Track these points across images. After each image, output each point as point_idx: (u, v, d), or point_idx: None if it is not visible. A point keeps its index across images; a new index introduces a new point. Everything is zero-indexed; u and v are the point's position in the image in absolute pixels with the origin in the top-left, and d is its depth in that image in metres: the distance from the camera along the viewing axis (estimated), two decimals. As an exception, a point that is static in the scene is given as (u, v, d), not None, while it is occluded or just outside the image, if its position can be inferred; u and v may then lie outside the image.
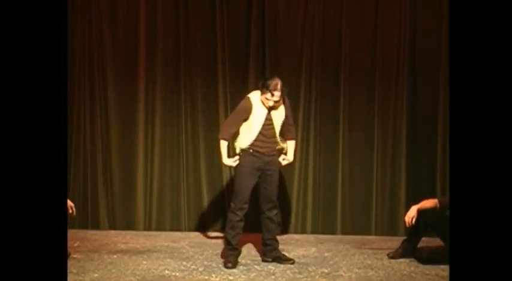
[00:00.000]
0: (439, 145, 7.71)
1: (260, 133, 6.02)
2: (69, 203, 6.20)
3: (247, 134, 6.05)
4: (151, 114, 7.92)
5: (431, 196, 6.81)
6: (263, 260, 6.22)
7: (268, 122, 6.04)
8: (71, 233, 6.80)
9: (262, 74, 7.75)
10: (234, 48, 7.83)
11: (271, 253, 6.21)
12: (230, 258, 6.07)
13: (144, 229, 7.89)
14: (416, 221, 6.27)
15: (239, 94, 7.74)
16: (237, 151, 6.14)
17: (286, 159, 6.23)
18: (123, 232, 7.72)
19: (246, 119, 6.05)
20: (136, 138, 7.91)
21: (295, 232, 7.78)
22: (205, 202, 7.85)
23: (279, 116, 6.08)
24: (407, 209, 6.48)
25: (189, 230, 7.80)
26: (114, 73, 7.91)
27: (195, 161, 7.89)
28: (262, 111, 6.02)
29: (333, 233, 7.77)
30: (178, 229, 7.83)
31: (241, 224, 6.09)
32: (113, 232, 7.78)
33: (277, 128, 6.09)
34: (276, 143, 6.12)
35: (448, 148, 7.38)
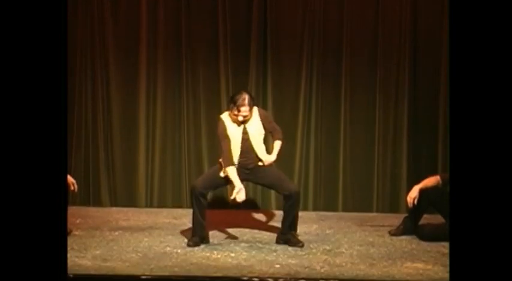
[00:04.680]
0: (440, 125, 7.69)
1: (240, 150, 6.00)
2: (71, 179, 6.21)
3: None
4: (153, 93, 7.92)
5: (432, 173, 6.80)
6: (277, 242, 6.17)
7: (245, 136, 6.01)
8: (73, 210, 6.86)
9: (264, 56, 7.77)
10: (235, 31, 7.81)
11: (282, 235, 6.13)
12: (194, 238, 6.01)
13: (146, 206, 7.91)
14: (418, 201, 6.27)
15: (240, 76, 7.78)
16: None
17: (267, 159, 6.06)
18: (125, 209, 7.73)
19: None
20: (138, 115, 7.91)
21: (299, 201, 7.77)
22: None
23: (254, 129, 6.03)
24: (409, 187, 6.48)
25: (191, 207, 7.79)
26: (115, 54, 7.90)
27: (196, 138, 7.90)
28: (235, 128, 6.00)
29: (335, 210, 7.78)
30: (180, 206, 7.84)
31: (204, 201, 6.02)
32: (114, 208, 7.79)
33: (255, 142, 6.02)
34: (256, 157, 6.04)
35: (449, 126, 7.36)
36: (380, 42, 7.72)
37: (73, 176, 6.47)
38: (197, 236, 6.00)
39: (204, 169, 7.85)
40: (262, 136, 6.11)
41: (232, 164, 5.96)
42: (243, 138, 6.00)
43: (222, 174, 6.02)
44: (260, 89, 7.82)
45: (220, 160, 6.08)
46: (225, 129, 6.03)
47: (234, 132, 6.01)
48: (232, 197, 5.93)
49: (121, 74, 7.92)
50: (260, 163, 6.05)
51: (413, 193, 6.30)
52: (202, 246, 5.94)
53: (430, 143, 7.78)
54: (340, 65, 7.77)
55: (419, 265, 5.44)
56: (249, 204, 7.66)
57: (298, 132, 7.81)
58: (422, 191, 6.29)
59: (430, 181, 6.37)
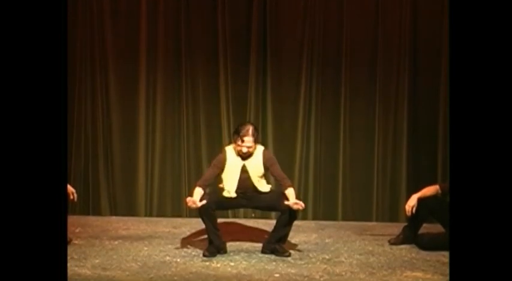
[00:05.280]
0: (440, 133, 7.70)
1: (238, 186, 6.03)
2: (70, 188, 6.21)
3: (226, 189, 6.06)
4: (153, 100, 7.93)
5: (431, 182, 6.80)
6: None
7: (245, 174, 6.02)
8: (72, 219, 6.86)
9: (264, 62, 7.79)
10: (235, 39, 7.83)
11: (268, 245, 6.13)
12: (210, 248, 5.98)
13: (145, 215, 7.91)
14: (416, 210, 6.27)
15: (240, 82, 7.79)
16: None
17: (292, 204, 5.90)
18: (124, 218, 7.74)
19: (221, 171, 6.06)
20: (138, 123, 7.93)
21: (296, 218, 7.77)
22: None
23: (253, 166, 6.04)
24: (408, 196, 6.48)
25: (190, 216, 7.80)
26: (115, 60, 7.91)
27: (196, 147, 7.91)
28: (236, 161, 6.03)
29: (334, 219, 7.78)
30: (179, 215, 7.84)
31: (212, 212, 5.99)
32: (114, 218, 7.79)
33: (255, 180, 6.05)
34: (254, 188, 6.06)
35: (448, 135, 7.36)
36: (380, 45, 7.74)
37: (73, 185, 6.50)
38: (213, 246, 5.97)
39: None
40: (261, 174, 6.11)
41: (202, 187, 5.97)
42: (241, 173, 6.03)
43: (225, 194, 6.06)
44: (260, 97, 7.84)
45: (221, 185, 6.12)
46: (223, 159, 6.08)
47: (233, 166, 6.05)
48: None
49: (121, 81, 7.94)
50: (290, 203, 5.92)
51: (412, 202, 6.31)
52: (201, 255, 5.94)
53: (429, 151, 7.78)
54: (339, 72, 7.78)
55: (419, 274, 5.43)
56: (248, 213, 7.68)
57: (298, 141, 7.82)
58: (420, 200, 6.29)
59: (429, 190, 6.37)
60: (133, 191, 7.95)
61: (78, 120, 7.89)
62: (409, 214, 6.33)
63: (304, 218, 7.77)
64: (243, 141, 5.93)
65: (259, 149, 6.10)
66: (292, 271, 5.49)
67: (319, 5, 7.77)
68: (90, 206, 7.93)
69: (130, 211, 7.94)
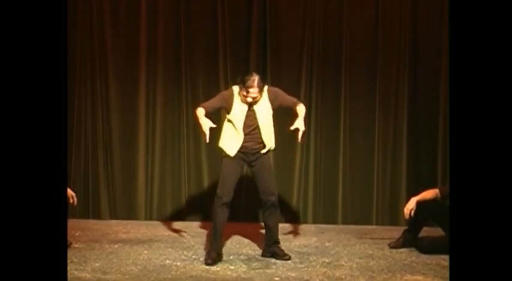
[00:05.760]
0: (440, 135, 7.70)
1: (244, 136, 5.86)
2: (70, 192, 6.22)
3: (231, 136, 5.91)
4: (152, 103, 7.92)
5: (432, 185, 6.80)
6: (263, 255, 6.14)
7: (251, 114, 5.85)
8: (72, 222, 6.87)
9: (264, 62, 7.79)
10: (235, 40, 7.83)
11: (268, 248, 6.10)
12: (210, 254, 5.86)
13: (145, 219, 7.90)
14: (415, 213, 6.27)
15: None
16: (222, 150, 6.01)
17: (295, 126, 5.74)
18: (124, 222, 7.73)
19: (227, 112, 5.90)
20: (137, 127, 7.91)
21: (297, 222, 7.78)
22: (206, 191, 7.84)
23: (261, 109, 5.88)
24: (408, 200, 6.48)
25: (190, 220, 7.79)
26: (114, 63, 7.90)
27: (196, 150, 7.90)
28: (241, 107, 5.87)
29: (334, 223, 7.77)
30: (180, 219, 7.84)
31: (224, 218, 5.89)
32: (114, 221, 7.78)
33: (261, 122, 5.88)
34: (260, 142, 5.92)
35: (448, 136, 7.37)
36: (380, 45, 7.74)
37: (72, 189, 6.49)
38: (214, 251, 5.87)
39: (204, 181, 7.85)
40: (270, 117, 5.94)
41: (204, 109, 5.80)
42: (247, 116, 5.85)
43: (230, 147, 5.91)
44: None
45: (220, 144, 5.99)
46: (230, 96, 5.90)
47: (238, 109, 5.87)
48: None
49: (120, 84, 7.93)
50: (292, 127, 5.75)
51: (411, 205, 6.31)
52: (201, 259, 5.93)
53: (429, 153, 7.77)
54: (339, 73, 7.77)
55: (419, 278, 5.43)
56: (248, 216, 7.68)
57: (298, 144, 7.77)
58: (420, 204, 6.29)
59: (429, 194, 6.37)
60: (133, 195, 7.94)
61: (78, 121, 7.87)
62: (407, 217, 6.34)
63: (304, 221, 7.77)
64: (248, 92, 5.76)
65: (264, 91, 5.91)
66: (292, 274, 5.49)
67: (319, 5, 7.77)
68: (90, 210, 7.92)
69: (130, 214, 7.93)
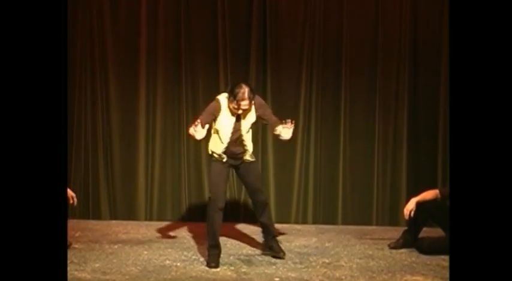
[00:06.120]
0: (440, 136, 7.69)
1: (229, 141, 5.83)
2: (70, 193, 6.22)
3: (217, 144, 5.87)
4: (152, 104, 7.92)
5: (431, 186, 6.80)
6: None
7: (237, 128, 5.82)
8: (72, 223, 6.87)
9: (263, 63, 7.78)
10: (235, 39, 7.82)
11: (266, 243, 6.16)
12: (213, 257, 5.80)
13: (145, 219, 7.90)
14: (415, 214, 6.27)
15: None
16: (209, 152, 5.99)
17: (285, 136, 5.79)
18: (124, 222, 7.73)
19: (214, 120, 5.83)
20: (138, 127, 7.91)
21: (296, 222, 7.78)
22: (206, 191, 7.83)
23: (248, 120, 5.86)
24: (408, 200, 6.48)
25: (190, 220, 7.79)
26: (115, 64, 7.91)
27: (196, 151, 7.89)
28: (229, 118, 5.81)
29: (334, 223, 7.77)
30: (180, 219, 7.84)
31: (220, 222, 5.85)
32: (114, 222, 7.78)
33: (245, 136, 5.87)
34: (245, 150, 5.92)
35: (448, 136, 7.37)
36: (380, 45, 7.74)
37: (72, 189, 6.49)
38: (216, 254, 5.82)
39: (204, 182, 7.85)
40: (252, 123, 5.92)
41: (200, 125, 5.62)
42: (234, 128, 5.81)
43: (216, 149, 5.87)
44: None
45: (209, 150, 5.95)
46: (216, 111, 5.79)
47: (225, 123, 5.81)
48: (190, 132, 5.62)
49: (120, 85, 7.93)
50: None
51: (410, 206, 6.30)
52: (201, 259, 5.93)
53: (429, 153, 7.77)
54: (339, 74, 7.77)
55: (419, 278, 5.43)
56: (248, 217, 7.67)
57: (298, 145, 7.81)
58: (419, 204, 6.29)
59: (429, 194, 6.36)
60: (133, 195, 7.94)
61: (78, 122, 7.88)
62: (407, 217, 6.34)
63: (304, 222, 7.77)
64: (239, 105, 5.66)
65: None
66: (292, 275, 5.49)
67: (319, 5, 7.77)
68: (90, 210, 7.92)
69: (130, 214, 7.93)
